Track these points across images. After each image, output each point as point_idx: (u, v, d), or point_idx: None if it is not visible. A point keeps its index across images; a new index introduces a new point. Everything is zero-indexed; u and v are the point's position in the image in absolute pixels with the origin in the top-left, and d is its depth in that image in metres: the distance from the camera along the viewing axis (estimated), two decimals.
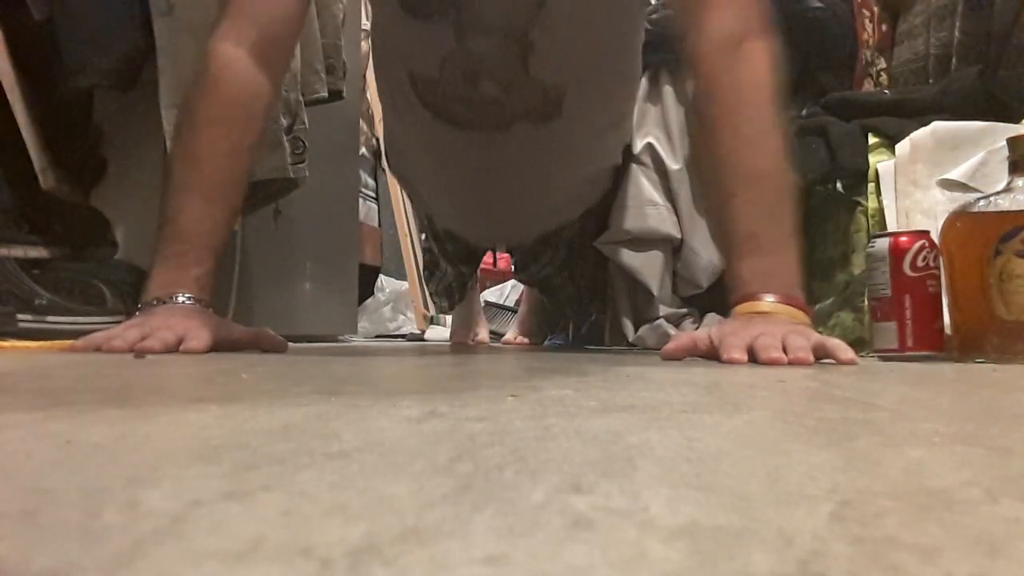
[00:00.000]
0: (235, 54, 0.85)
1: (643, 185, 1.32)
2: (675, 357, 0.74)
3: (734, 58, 0.79)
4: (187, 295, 0.80)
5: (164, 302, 0.79)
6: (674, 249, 1.33)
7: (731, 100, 0.79)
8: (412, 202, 1.67)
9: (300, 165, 1.31)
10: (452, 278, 1.58)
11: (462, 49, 1.03)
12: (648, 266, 1.31)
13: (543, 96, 1.07)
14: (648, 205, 1.30)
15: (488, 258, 1.69)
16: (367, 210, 2.05)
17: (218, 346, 0.76)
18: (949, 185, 0.95)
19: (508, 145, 1.12)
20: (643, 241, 1.31)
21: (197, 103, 0.86)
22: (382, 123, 1.51)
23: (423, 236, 1.74)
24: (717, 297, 1.36)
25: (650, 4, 1.29)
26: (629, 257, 1.31)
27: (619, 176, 1.36)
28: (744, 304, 0.73)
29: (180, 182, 0.84)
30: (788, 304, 0.71)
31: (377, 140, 2.10)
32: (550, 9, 0.99)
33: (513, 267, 1.59)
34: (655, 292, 1.30)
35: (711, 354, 0.71)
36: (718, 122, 0.79)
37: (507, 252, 1.65)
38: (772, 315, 0.70)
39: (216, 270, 0.84)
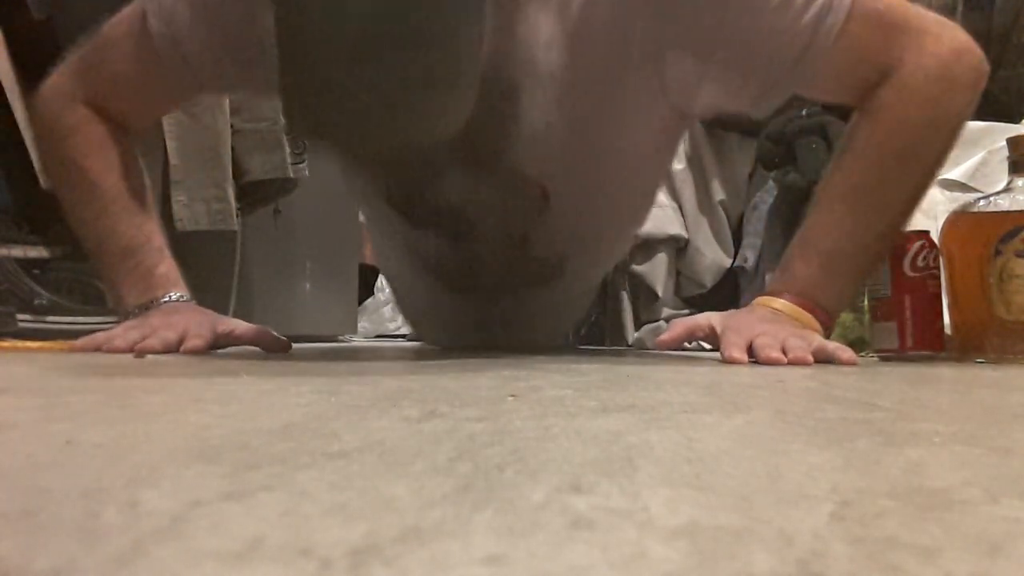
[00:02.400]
0: (82, 112, 0.83)
1: None
2: (671, 346, 0.74)
3: (936, 86, 0.71)
4: (177, 293, 0.80)
5: (154, 303, 0.79)
6: (678, 249, 1.33)
7: (919, 130, 0.72)
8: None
9: (300, 165, 1.31)
10: None
11: (458, 251, 0.96)
12: (653, 269, 1.31)
13: (540, 266, 1.00)
14: (654, 206, 1.30)
15: None
16: None
17: (219, 343, 0.76)
18: (949, 185, 0.95)
19: (508, 302, 1.06)
20: (649, 245, 1.31)
21: (66, 145, 0.83)
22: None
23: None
24: (719, 297, 1.36)
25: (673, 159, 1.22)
26: (635, 266, 1.31)
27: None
28: (764, 297, 0.73)
29: (91, 214, 0.82)
30: (800, 307, 0.71)
31: None
32: (551, 211, 0.89)
33: None
34: (660, 294, 1.30)
35: (710, 338, 0.71)
36: (888, 139, 0.72)
37: None
38: (779, 315, 0.70)
39: (178, 269, 0.83)
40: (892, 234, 0.75)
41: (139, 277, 0.81)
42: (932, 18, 0.74)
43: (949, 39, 0.72)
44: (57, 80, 0.85)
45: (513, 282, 1.00)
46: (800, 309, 0.71)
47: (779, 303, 0.71)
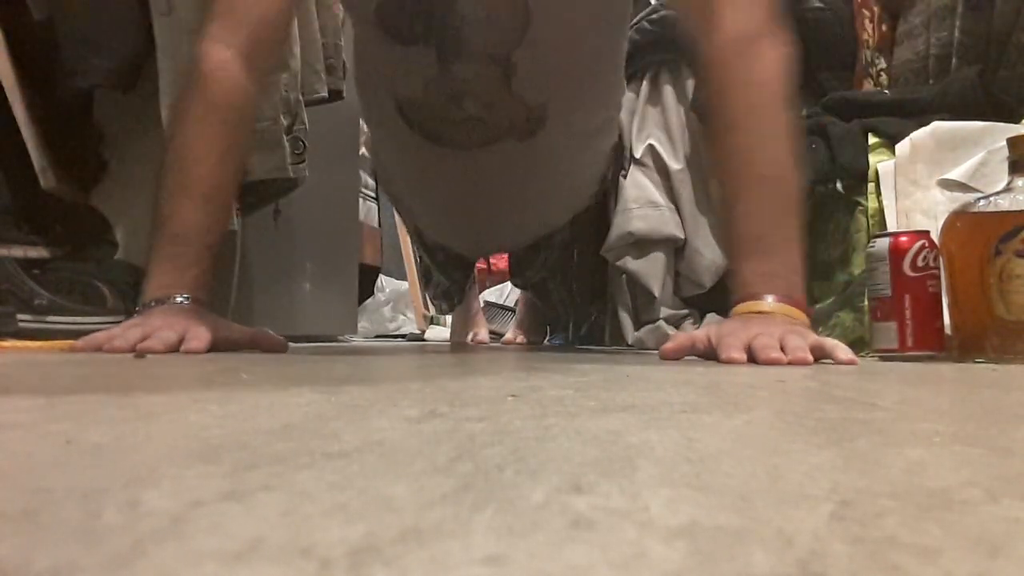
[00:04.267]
0: (225, 56, 0.85)
1: (645, 186, 1.32)
2: (673, 357, 0.74)
3: (746, 59, 0.78)
4: (185, 295, 0.80)
5: (163, 303, 0.79)
6: (676, 249, 1.33)
7: (742, 101, 0.78)
8: (401, 216, 1.68)
9: (300, 165, 1.31)
10: (448, 284, 1.59)
11: (445, 73, 1.03)
12: (650, 269, 1.31)
13: (526, 113, 1.08)
14: (650, 206, 1.30)
15: (482, 262, 1.70)
16: (367, 210, 2.05)
17: (218, 346, 0.76)
18: (949, 185, 0.95)
19: (493, 160, 1.12)
20: (646, 244, 1.31)
21: (189, 105, 0.86)
22: (369, 140, 1.52)
23: (413, 247, 1.75)
24: (718, 297, 1.36)
25: (634, 16, 1.29)
26: (632, 263, 1.31)
27: (608, 181, 1.36)
28: (744, 304, 0.73)
29: (174, 184, 0.84)
30: (788, 304, 0.71)
31: None
32: (533, 32, 0.99)
33: (509, 272, 1.60)
34: (656, 294, 1.30)
35: (709, 354, 0.71)
36: (729, 123, 0.79)
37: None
38: (770, 315, 0.70)
39: (213, 269, 0.84)
40: (794, 170, 0.78)
41: (171, 269, 0.82)
42: None
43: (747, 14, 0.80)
44: (203, 31, 0.88)
45: (498, 128, 1.07)
46: (786, 305, 0.71)
47: (765, 304, 0.71)
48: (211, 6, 0.88)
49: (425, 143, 1.12)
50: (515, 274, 1.52)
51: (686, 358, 0.74)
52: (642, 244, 1.31)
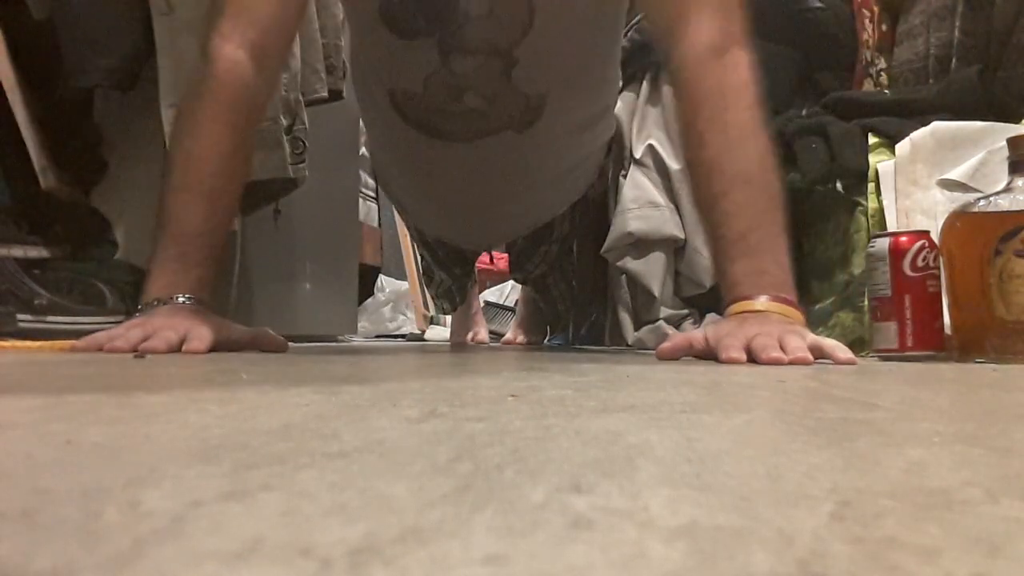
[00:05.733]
0: (237, 56, 0.85)
1: (645, 186, 1.32)
2: (670, 357, 0.74)
3: (716, 65, 0.80)
4: (187, 296, 0.80)
5: (164, 303, 0.79)
6: (676, 250, 1.33)
7: (716, 104, 0.79)
8: (402, 216, 1.68)
9: (300, 165, 1.31)
10: (450, 282, 1.59)
11: (446, 67, 1.03)
12: (650, 269, 1.31)
13: (525, 103, 1.08)
14: (650, 207, 1.30)
15: (484, 258, 1.70)
16: (367, 210, 2.05)
17: (219, 347, 0.76)
18: (949, 185, 0.95)
19: (490, 152, 1.13)
20: (646, 244, 1.31)
21: (198, 103, 0.86)
22: (366, 138, 1.52)
23: (414, 246, 1.75)
24: (718, 297, 1.36)
25: (634, 16, 1.29)
26: (632, 263, 1.31)
27: (608, 177, 1.36)
28: (737, 304, 0.73)
29: (180, 182, 0.84)
30: (781, 303, 0.71)
31: None
32: (536, 28, 1.00)
33: (509, 267, 1.60)
34: (656, 294, 1.30)
35: (707, 354, 0.71)
36: (704, 126, 0.79)
37: (502, 252, 1.65)
38: (766, 315, 0.70)
39: (216, 270, 0.84)
40: (770, 161, 0.78)
41: (175, 270, 0.81)
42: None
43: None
44: (207, 27, 0.88)
45: (497, 120, 1.08)
46: (781, 304, 0.71)
47: (759, 304, 0.71)
48: (220, 3, 0.88)
49: (421, 137, 1.12)
50: (515, 268, 1.52)
51: (686, 358, 0.74)
52: (642, 244, 1.31)
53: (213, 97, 0.85)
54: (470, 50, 1.01)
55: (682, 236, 1.31)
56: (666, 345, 0.75)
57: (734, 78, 0.79)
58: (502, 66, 1.02)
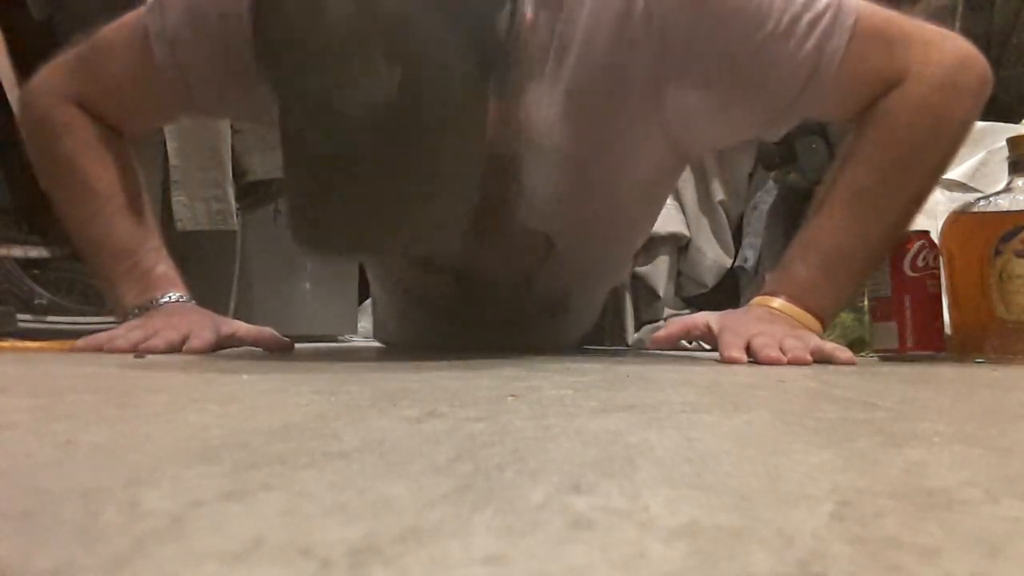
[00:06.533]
0: (70, 108, 0.82)
1: None
2: (665, 344, 0.74)
3: (946, 95, 0.71)
4: (177, 293, 0.80)
5: (153, 304, 0.79)
6: (679, 249, 1.33)
7: (922, 137, 0.72)
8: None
9: None
10: None
11: (463, 285, 0.95)
12: (655, 270, 1.31)
13: (548, 303, 1.00)
14: None
15: None
16: None
17: (221, 344, 0.76)
18: (949, 185, 0.95)
19: (511, 333, 1.02)
20: (651, 243, 1.31)
21: (59, 144, 0.82)
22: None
23: None
24: (719, 297, 1.36)
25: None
26: (638, 265, 1.31)
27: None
28: (760, 298, 0.73)
29: (87, 213, 0.81)
30: (798, 307, 0.71)
31: None
32: (556, 255, 0.89)
33: None
34: (661, 295, 1.30)
35: (707, 338, 0.71)
36: (891, 145, 0.72)
37: None
38: (775, 314, 0.70)
39: (174, 268, 0.83)
40: (893, 238, 0.75)
41: (137, 278, 0.80)
42: (932, 29, 0.74)
43: (951, 48, 0.73)
44: (50, 76, 0.84)
45: (516, 317, 1.00)
46: (798, 309, 0.71)
47: (777, 303, 0.71)
48: (72, 66, 0.83)
49: (434, 320, 1.05)
50: None
51: (685, 357, 0.74)
52: (648, 244, 1.31)
53: (73, 135, 0.81)
54: (487, 282, 0.93)
55: (687, 233, 1.31)
56: (660, 333, 0.75)
57: (953, 112, 0.72)
58: (522, 280, 0.93)
